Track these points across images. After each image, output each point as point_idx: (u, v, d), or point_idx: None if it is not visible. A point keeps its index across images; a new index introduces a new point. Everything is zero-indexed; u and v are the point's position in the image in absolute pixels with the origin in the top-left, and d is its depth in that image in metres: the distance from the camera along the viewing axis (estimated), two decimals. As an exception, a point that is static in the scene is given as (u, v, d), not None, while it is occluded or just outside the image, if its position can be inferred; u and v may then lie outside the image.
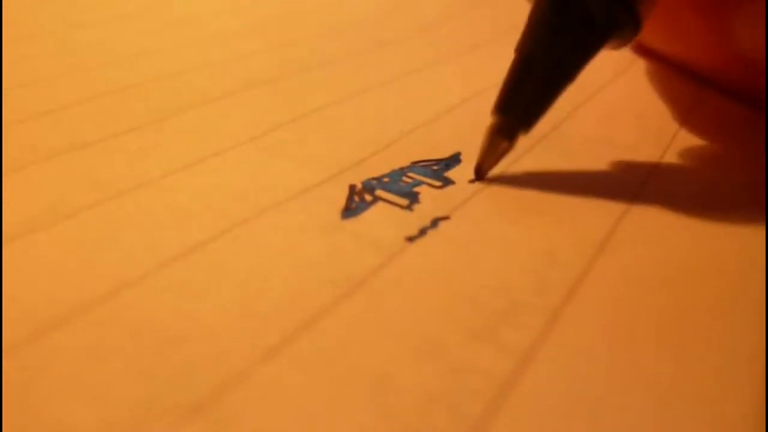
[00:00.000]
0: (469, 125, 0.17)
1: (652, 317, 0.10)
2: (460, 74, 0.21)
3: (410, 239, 0.12)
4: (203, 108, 0.17)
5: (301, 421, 0.08)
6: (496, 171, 0.14)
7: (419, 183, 0.14)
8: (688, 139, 0.16)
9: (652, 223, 0.13)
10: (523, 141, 0.15)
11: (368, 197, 0.13)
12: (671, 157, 0.15)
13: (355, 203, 0.13)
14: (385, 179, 0.14)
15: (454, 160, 0.15)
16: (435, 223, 0.12)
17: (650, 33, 0.18)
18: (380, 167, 0.14)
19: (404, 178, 0.14)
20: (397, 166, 0.14)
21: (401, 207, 0.13)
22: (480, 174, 0.14)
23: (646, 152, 0.15)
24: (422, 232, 0.12)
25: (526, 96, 0.13)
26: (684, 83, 0.20)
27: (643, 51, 0.20)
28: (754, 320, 0.10)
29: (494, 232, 0.12)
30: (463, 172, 0.14)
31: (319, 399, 0.08)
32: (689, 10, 0.15)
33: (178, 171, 0.14)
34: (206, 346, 0.09)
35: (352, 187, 0.13)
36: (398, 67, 0.21)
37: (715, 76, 0.19)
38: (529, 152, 0.15)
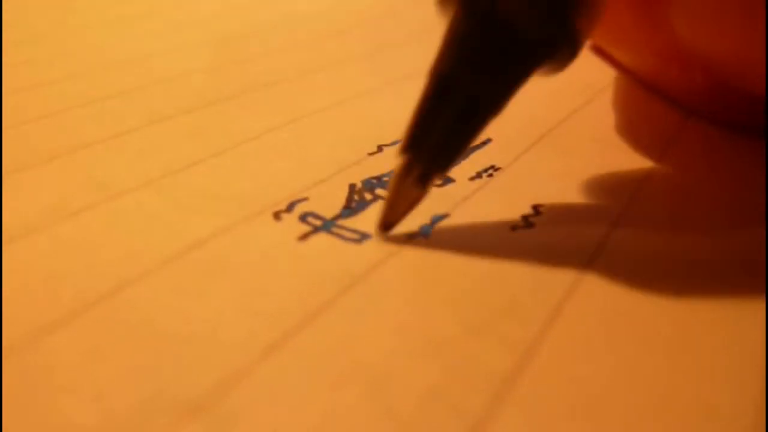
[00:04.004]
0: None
1: (653, 314, 0.10)
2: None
3: (410, 237, 0.12)
4: (203, 110, 0.17)
5: (301, 419, 0.08)
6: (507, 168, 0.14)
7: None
8: (689, 137, 0.16)
9: (652, 221, 0.13)
10: (522, 140, 0.15)
11: (368, 196, 0.13)
12: (671, 155, 0.15)
13: (355, 202, 0.13)
14: (385, 178, 0.14)
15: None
16: (435, 220, 0.12)
17: (600, 39, 0.16)
18: (380, 166, 0.14)
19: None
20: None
21: (401, 206, 0.13)
22: (387, 227, 0.12)
23: (646, 150, 0.15)
24: (422, 229, 0.12)
25: (443, 130, 0.11)
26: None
27: (606, 58, 0.18)
28: (754, 319, 0.10)
29: (494, 229, 0.12)
30: (462, 171, 0.14)
31: (319, 396, 0.08)
32: (625, 8, 0.13)
33: (178, 171, 0.14)
34: (206, 344, 0.09)
35: (352, 186, 0.13)
36: (397, 69, 0.21)
37: (665, 86, 0.17)
38: (528, 151, 0.15)
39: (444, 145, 0.11)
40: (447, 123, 0.11)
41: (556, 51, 0.11)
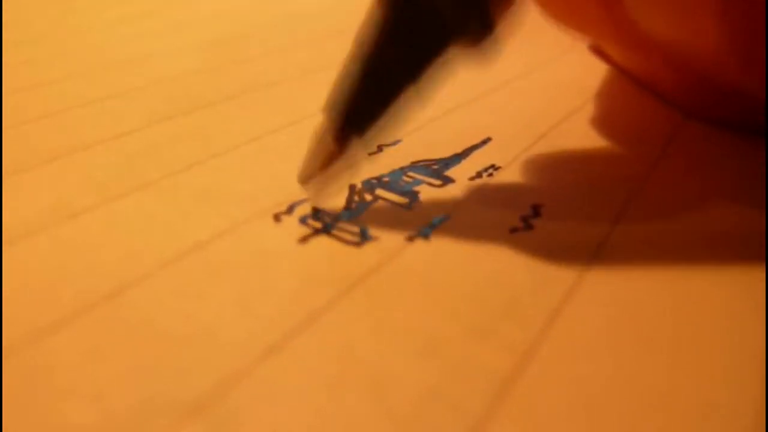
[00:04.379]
0: (469, 126, 0.17)
1: (652, 314, 0.10)
2: (458, 78, 0.21)
3: (410, 238, 0.12)
4: (203, 111, 0.17)
5: (302, 420, 0.08)
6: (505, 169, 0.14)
7: (419, 182, 0.14)
8: (689, 135, 0.16)
9: (651, 222, 0.13)
10: (522, 139, 0.15)
11: (368, 197, 0.13)
12: (669, 158, 0.15)
13: (355, 203, 0.13)
14: (385, 179, 0.14)
15: (454, 159, 0.15)
16: (435, 221, 0.12)
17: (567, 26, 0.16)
18: (380, 167, 0.14)
19: (404, 178, 0.14)
20: (397, 166, 0.14)
21: (401, 206, 0.13)
22: (304, 180, 0.12)
23: (645, 150, 0.15)
24: (422, 230, 0.12)
25: (360, 95, 0.11)
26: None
27: (604, 57, 0.18)
28: (754, 318, 0.10)
29: (493, 231, 0.12)
30: (462, 171, 0.14)
31: (319, 397, 0.08)
32: None
33: (178, 173, 0.14)
34: (206, 345, 0.09)
35: (352, 187, 0.13)
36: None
37: (658, 84, 0.17)
38: (528, 150, 0.15)
39: (362, 110, 0.11)
40: (366, 90, 0.11)
41: (470, 32, 0.11)
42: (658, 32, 0.13)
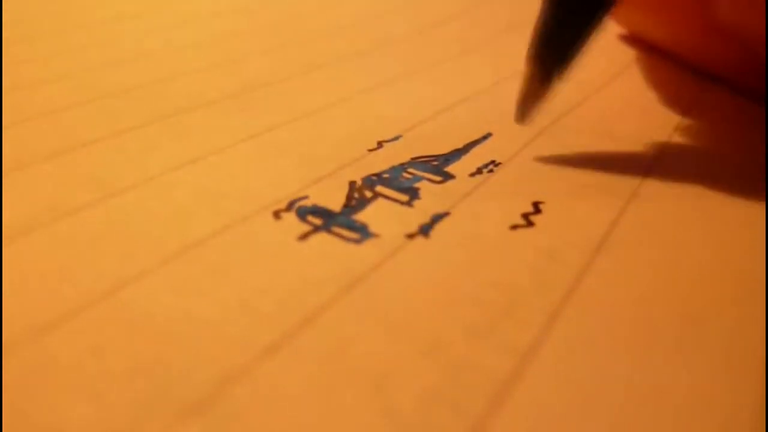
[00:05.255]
0: (469, 122, 0.16)
1: (653, 314, 0.10)
2: (459, 73, 0.21)
3: (410, 235, 0.12)
4: (203, 108, 0.17)
5: (302, 419, 0.08)
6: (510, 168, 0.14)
7: (419, 179, 0.14)
8: (689, 134, 0.16)
9: (653, 219, 0.12)
10: (522, 135, 0.15)
11: (368, 193, 0.13)
12: (672, 152, 0.15)
13: (355, 200, 0.13)
14: (385, 175, 0.14)
15: (454, 155, 0.15)
16: (435, 218, 0.12)
17: (640, 17, 0.19)
18: (380, 164, 0.14)
19: (404, 174, 0.14)
20: (397, 162, 0.14)
21: (401, 203, 0.13)
22: (519, 118, 0.15)
23: (646, 147, 0.15)
24: (422, 228, 0.12)
25: (557, 45, 0.14)
26: (685, 79, 0.20)
27: (640, 42, 0.21)
28: (755, 318, 0.10)
29: (493, 228, 0.12)
30: (463, 167, 0.14)
31: (319, 396, 0.08)
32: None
33: (177, 169, 0.14)
34: (206, 343, 0.09)
35: (352, 184, 0.13)
36: (397, 67, 0.21)
37: (704, 61, 0.19)
38: (529, 145, 0.15)
39: (558, 56, 0.14)
40: (557, 38, 0.14)
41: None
42: (743, 29, 0.16)
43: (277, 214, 0.12)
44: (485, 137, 0.16)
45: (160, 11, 0.27)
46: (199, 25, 0.25)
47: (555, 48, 0.14)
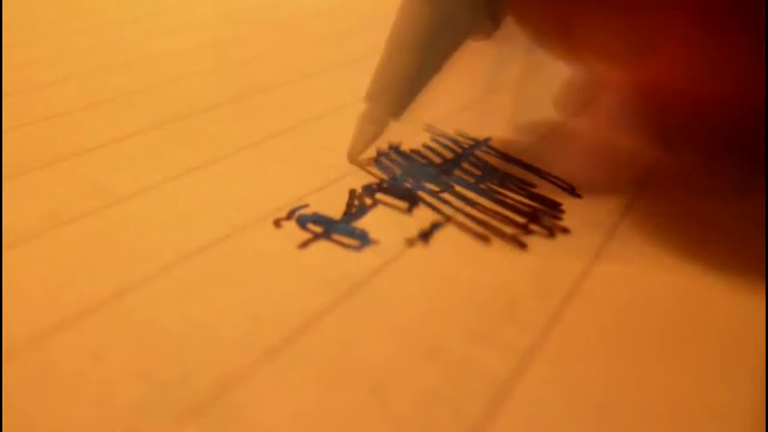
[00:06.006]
0: (468, 128, 0.17)
1: (650, 319, 0.10)
2: (460, 80, 0.21)
3: (410, 242, 0.12)
4: (204, 115, 0.17)
5: (302, 422, 0.08)
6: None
7: (419, 186, 0.14)
8: (686, 145, 0.16)
9: (651, 226, 0.13)
10: (521, 141, 0.15)
11: (368, 201, 0.13)
12: (670, 164, 0.15)
13: (355, 207, 0.13)
14: (385, 183, 0.14)
15: (454, 161, 0.15)
16: (435, 225, 0.12)
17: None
18: (380, 171, 0.14)
19: (404, 182, 0.14)
20: (396, 169, 0.14)
21: (401, 210, 0.13)
22: (352, 157, 0.15)
23: (646, 156, 0.15)
24: (422, 234, 0.12)
25: (396, 86, 0.14)
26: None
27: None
28: (753, 318, 0.10)
29: (493, 234, 0.12)
30: (462, 174, 0.14)
31: (319, 399, 0.08)
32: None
33: (178, 176, 0.14)
34: (207, 347, 0.09)
35: (352, 192, 0.13)
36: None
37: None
38: (527, 152, 0.15)
39: (396, 96, 0.14)
40: (398, 80, 0.14)
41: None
42: None
43: (277, 223, 0.12)
44: (484, 143, 0.16)
45: (160, 17, 0.27)
46: (200, 31, 0.25)
47: (392, 88, 0.14)
